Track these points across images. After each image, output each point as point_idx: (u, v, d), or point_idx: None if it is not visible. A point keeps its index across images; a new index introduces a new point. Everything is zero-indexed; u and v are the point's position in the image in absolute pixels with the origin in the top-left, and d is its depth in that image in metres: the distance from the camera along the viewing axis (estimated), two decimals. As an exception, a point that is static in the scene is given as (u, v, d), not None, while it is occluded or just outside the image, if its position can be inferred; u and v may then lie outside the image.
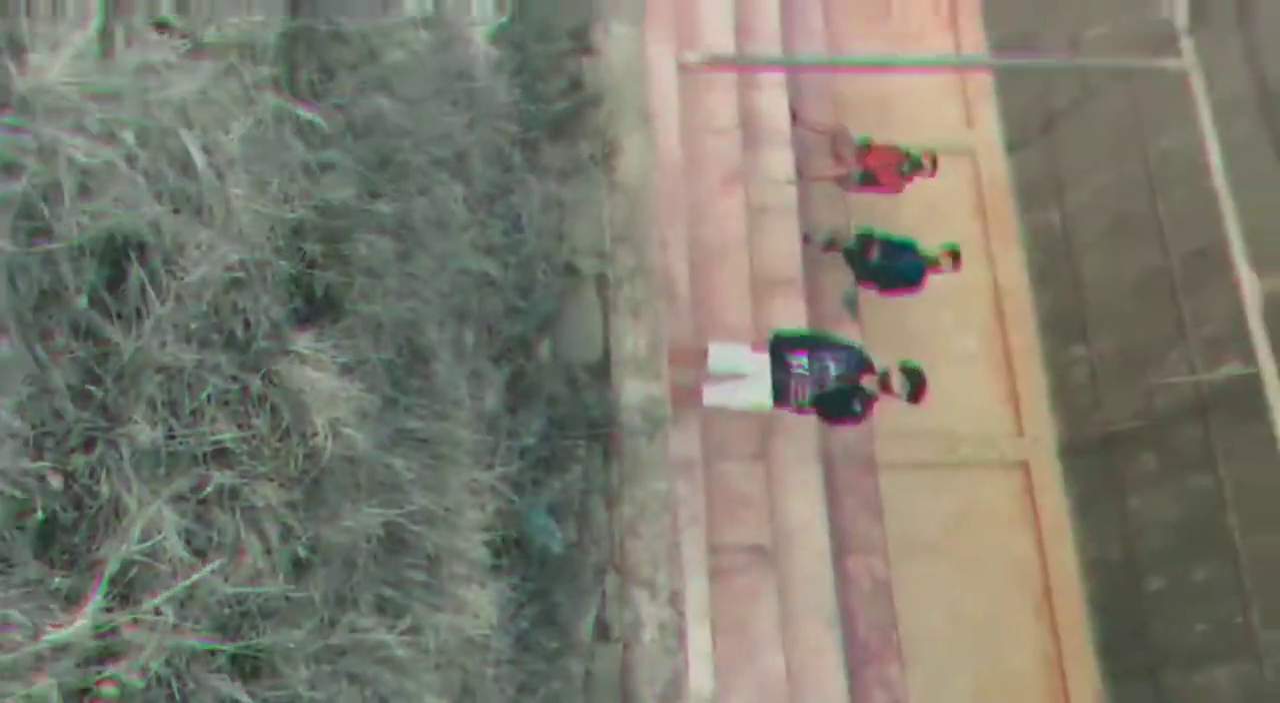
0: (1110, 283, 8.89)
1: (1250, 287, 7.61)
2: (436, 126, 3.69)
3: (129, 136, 2.06)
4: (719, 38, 7.31)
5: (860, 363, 6.29)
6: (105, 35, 2.07)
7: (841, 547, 7.62)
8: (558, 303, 5.04)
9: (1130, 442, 8.93)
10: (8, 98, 1.88)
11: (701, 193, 7.30)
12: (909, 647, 7.89)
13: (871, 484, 7.85)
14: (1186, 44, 7.99)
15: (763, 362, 6.32)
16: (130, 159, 2.08)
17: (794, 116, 7.81)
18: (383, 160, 3.30)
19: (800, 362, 6.27)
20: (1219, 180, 7.74)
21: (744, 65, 7.27)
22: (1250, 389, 7.50)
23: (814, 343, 6.48)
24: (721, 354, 6.17)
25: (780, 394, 6.26)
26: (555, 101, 5.18)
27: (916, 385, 6.12)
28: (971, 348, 9.25)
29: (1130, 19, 8.58)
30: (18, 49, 1.93)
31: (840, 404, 6.21)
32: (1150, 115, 8.56)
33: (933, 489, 8.63)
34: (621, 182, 5.37)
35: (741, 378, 6.37)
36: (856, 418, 6.42)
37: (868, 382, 6.14)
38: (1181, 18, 7.94)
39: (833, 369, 6.27)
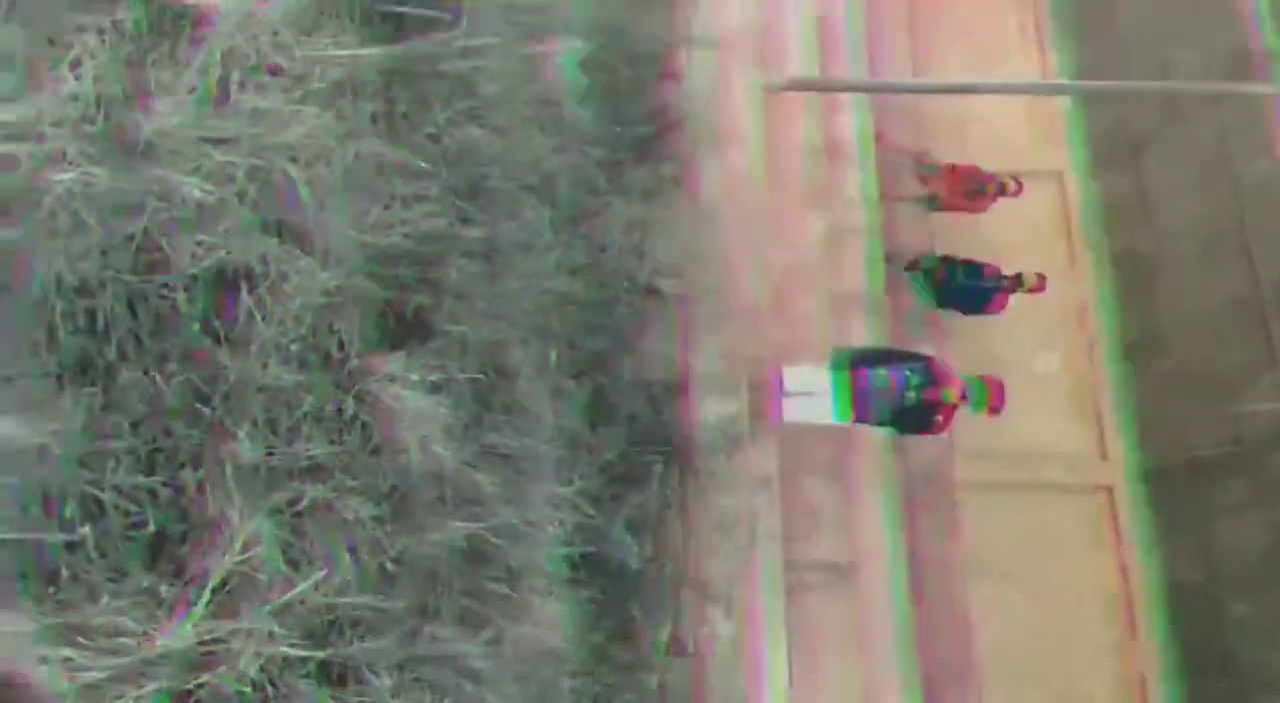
0: (1197, 308, 8.66)
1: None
2: (525, 153, 3.79)
3: (240, 174, 2.17)
4: (802, 59, 7.31)
5: (936, 371, 6.28)
6: (222, 80, 2.19)
7: (918, 566, 7.53)
8: (638, 321, 5.10)
9: (1217, 468, 8.68)
10: (135, 143, 2.00)
11: (782, 212, 7.30)
12: (985, 670, 7.76)
13: (950, 504, 7.76)
14: (1276, 68, 7.77)
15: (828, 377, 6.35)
16: (241, 195, 2.19)
17: (879, 138, 7.78)
18: (473, 187, 3.39)
19: (878, 374, 6.27)
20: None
21: (825, 88, 7.26)
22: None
23: (886, 356, 6.47)
24: (795, 375, 6.17)
25: (858, 409, 6.27)
26: (639, 125, 5.25)
27: (989, 395, 6.18)
28: (1054, 369, 9.08)
29: (1219, 43, 8.37)
30: (143, 95, 2.05)
31: (917, 419, 6.23)
32: (1239, 140, 8.34)
33: (1013, 511, 8.48)
34: (702, 203, 5.41)
35: (816, 395, 6.38)
36: (935, 428, 6.40)
37: (946, 391, 6.14)
38: (1272, 41, 7.72)
39: (909, 378, 6.26)
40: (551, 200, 4.22)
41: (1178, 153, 9.01)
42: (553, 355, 4.53)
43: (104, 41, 2.04)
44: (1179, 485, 8.74)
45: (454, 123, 3.29)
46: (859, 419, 6.31)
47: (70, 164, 1.98)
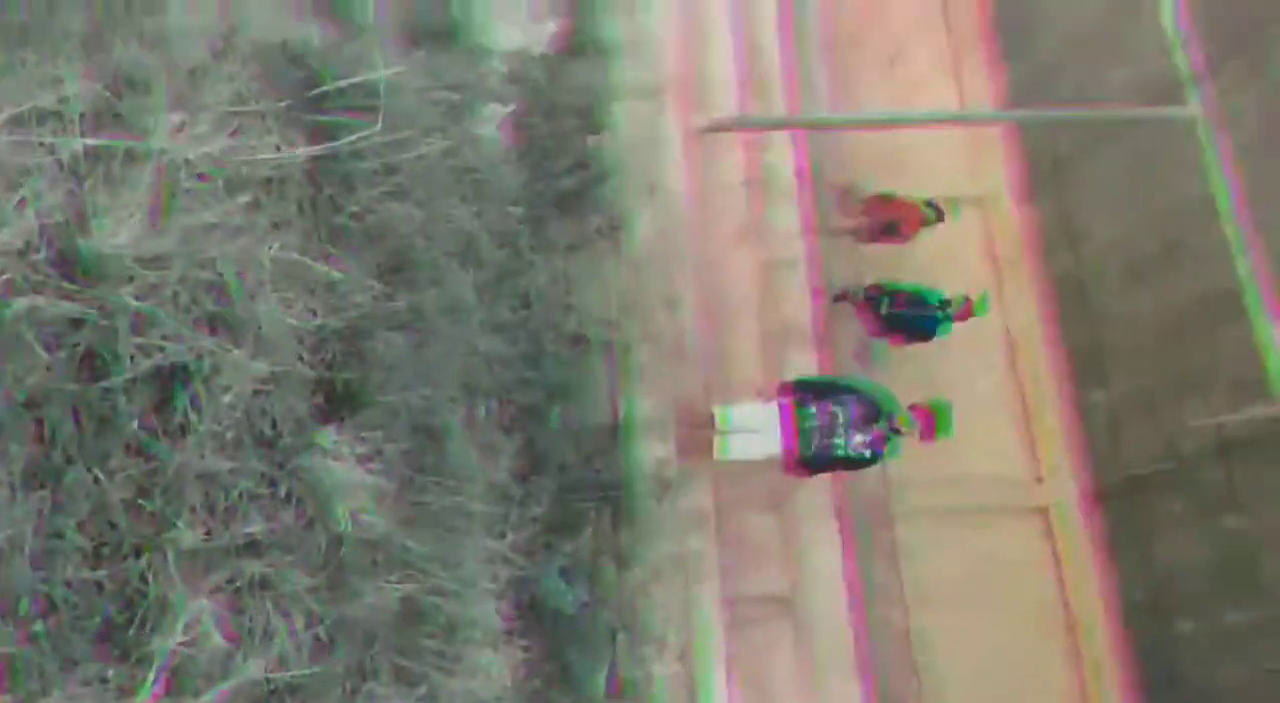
0: (1129, 327, 9.08)
1: (1268, 330, 7.80)
2: (447, 222, 4.08)
3: (173, 278, 2.45)
4: (726, 100, 7.67)
5: (872, 410, 6.54)
6: (157, 195, 2.47)
7: (860, 596, 7.85)
8: (567, 372, 5.39)
9: (1155, 486, 9.05)
10: (74, 265, 2.27)
11: (714, 250, 7.63)
12: (933, 696, 8.08)
13: (888, 533, 8.09)
14: (1198, 90, 8.25)
15: (773, 413, 6.59)
16: (174, 298, 2.47)
17: (799, 173, 8.16)
18: (397, 260, 3.68)
19: (810, 412, 6.52)
20: (1235, 224, 7.98)
21: (753, 126, 7.63)
22: (1275, 431, 7.66)
23: (828, 389, 6.73)
24: (730, 415, 6.45)
25: (787, 439, 6.54)
26: (564, 178, 5.55)
27: (935, 423, 6.48)
28: (988, 393, 9.45)
29: (1141, 68, 8.84)
30: (82, 219, 2.32)
31: (831, 466, 6.56)
32: (1164, 161, 8.80)
33: (954, 536, 8.81)
34: (629, 251, 5.73)
35: (759, 431, 6.60)
36: (861, 465, 6.69)
37: (887, 424, 6.42)
38: (1193, 65, 8.21)
39: (841, 416, 6.53)
40: (475, 262, 4.51)
41: (1104, 175, 9.48)
42: (481, 412, 4.81)
43: (46, 175, 2.32)
44: (1119, 505, 9.14)
45: (376, 201, 3.58)
46: (787, 447, 6.55)
47: (19, 291, 2.25)
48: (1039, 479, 9.20)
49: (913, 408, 6.63)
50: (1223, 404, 8.57)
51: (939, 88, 9.71)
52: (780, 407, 6.57)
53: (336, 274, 3.13)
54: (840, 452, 6.49)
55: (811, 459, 6.56)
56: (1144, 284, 9.23)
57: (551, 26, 5.10)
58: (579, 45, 5.58)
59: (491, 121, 4.59)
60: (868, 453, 6.56)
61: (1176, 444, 8.83)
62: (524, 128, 5.17)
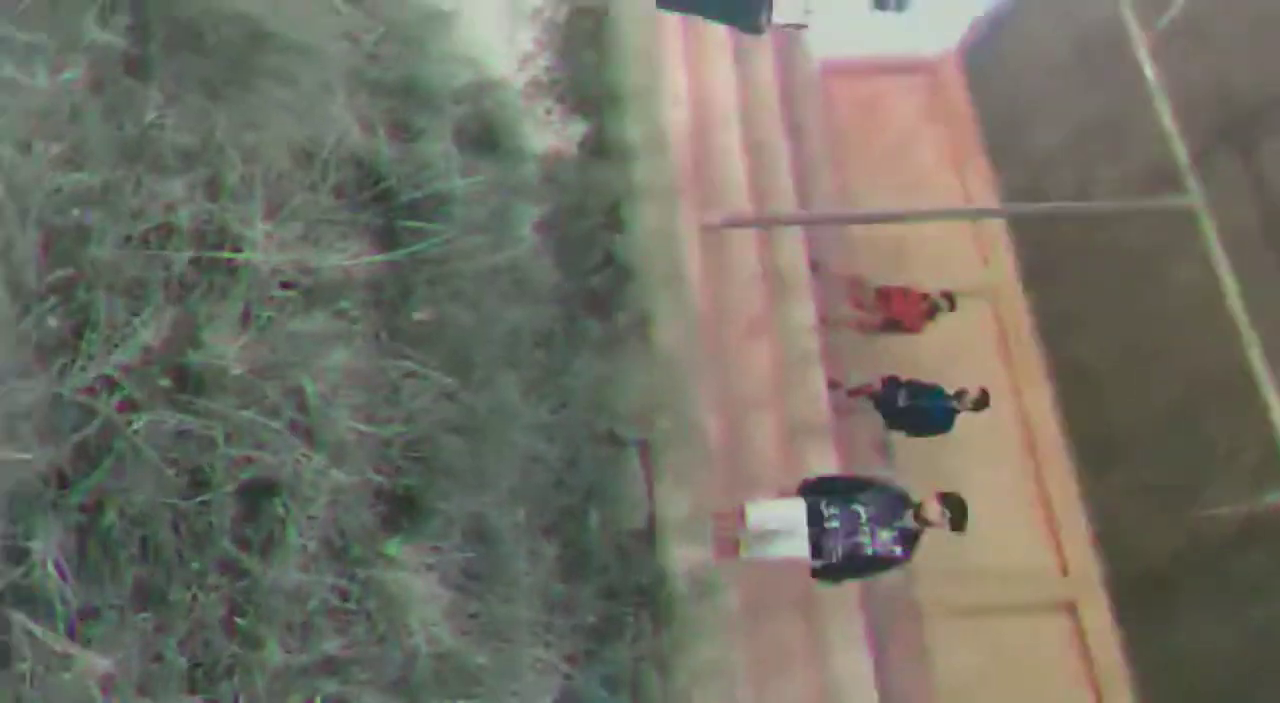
0: (1139, 415, 9.19)
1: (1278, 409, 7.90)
2: (496, 323, 4.10)
3: (270, 389, 2.44)
4: (737, 198, 7.84)
5: (895, 505, 6.42)
6: (251, 305, 2.48)
7: (889, 699, 7.73)
8: (602, 473, 5.36)
9: (1180, 575, 9.03)
10: (184, 379, 2.27)
11: (730, 346, 7.70)
12: (965, 800, 7.91)
13: (915, 632, 8.01)
14: (1192, 180, 8.50)
15: (798, 510, 6.49)
16: (265, 409, 2.46)
17: (814, 268, 8.29)
18: (453, 363, 3.68)
19: (832, 512, 6.41)
20: (1236, 309, 8.13)
21: (763, 222, 7.77)
22: (1293, 517, 7.70)
23: (850, 486, 6.66)
24: (758, 514, 6.38)
25: (816, 549, 6.40)
26: (590, 278, 5.62)
27: (958, 513, 6.25)
28: (1006, 484, 9.49)
29: (1135, 161, 9.12)
30: (191, 332, 2.32)
31: (860, 568, 6.42)
32: (1163, 249, 9.03)
33: (981, 634, 8.76)
34: (657, 348, 5.77)
35: (788, 533, 6.48)
36: (891, 564, 6.52)
37: (909, 520, 6.32)
38: (1185, 156, 8.48)
39: (863, 514, 6.39)
40: (517, 362, 4.52)
41: (1104, 264, 9.69)
42: (522, 515, 4.75)
43: (159, 290, 2.33)
44: (1145, 596, 9.10)
45: (434, 306, 3.60)
46: (817, 557, 6.43)
47: (139, 409, 2.23)
48: (1063, 571, 9.19)
49: (938, 496, 6.48)
50: (1241, 490, 8.62)
51: (941, 185, 9.98)
52: (807, 506, 6.49)
53: (404, 378, 3.12)
54: (868, 550, 6.33)
55: (840, 564, 6.42)
56: (1150, 371, 9.37)
57: (581, 128, 5.19)
58: (603, 146, 5.69)
59: (529, 223, 4.65)
60: (898, 550, 6.39)
61: (1200, 532, 8.84)
62: (554, 228, 5.24)
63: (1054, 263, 9.88)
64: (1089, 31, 9.53)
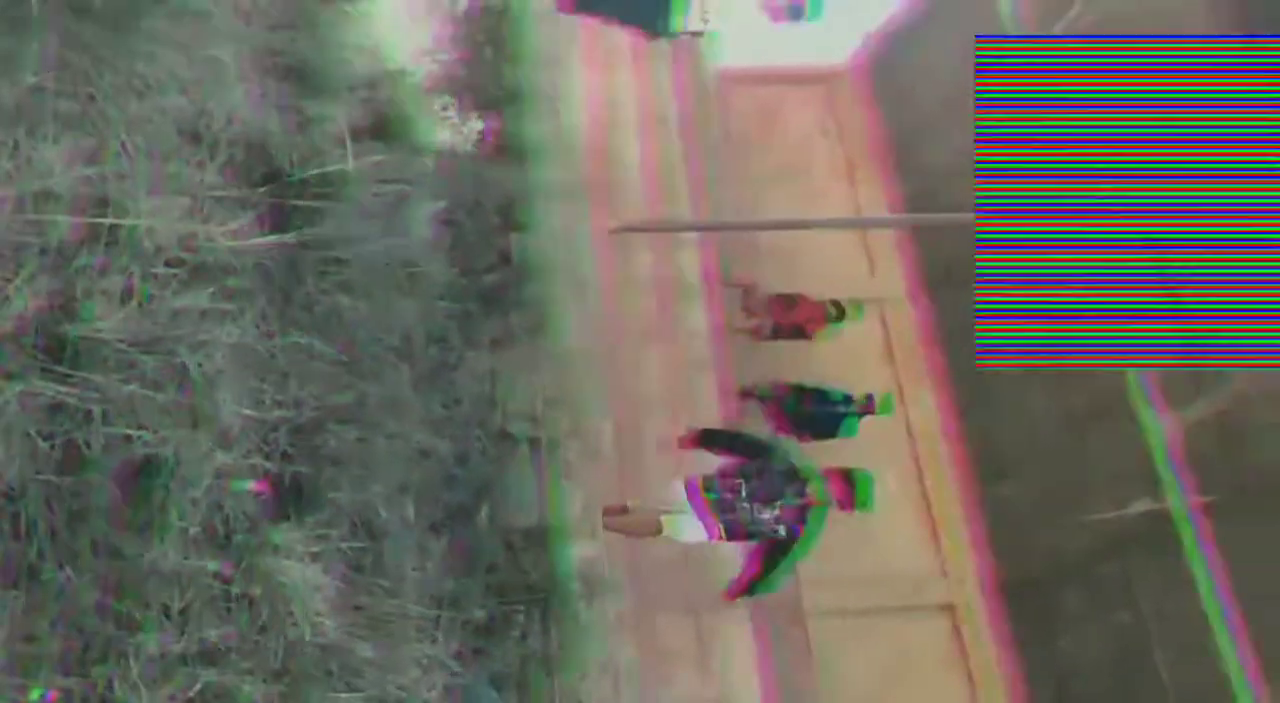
0: (1027, 424, 9.47)
1: (1156, 424, 8.22)
2: (388, 315, 4.07)
3: (149, 366, 2.39)
4: (637, 203, 7.90)
5: (779, 482, 6.09)
6: (133, 280, 2.43)
7: (773, 700, 7.83)
8: (494, 469, 5.35)
9: (1055, 581, 9.32)
10: (59, 350, 2.21)
11: (626, 349, 7.74)
12: (847, 799, 8.04)
13: (801, 634, 8.14)
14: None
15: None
16: (145, 386, 2.41)
17: (711, 274, 8.40)
18: (346, 353, 3.65)
19: (713, 484, 6.12)
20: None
21: (662, 228, 7.85)
22: (1163, 524, 8.02)
23: (733, 444, 6.42)
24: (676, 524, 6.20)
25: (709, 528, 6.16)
26: (486, 275, 5.60)
27: (860, 490, 6.00)
28: (891, 489, 9.69)
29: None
30: (69, 301, 2.26)
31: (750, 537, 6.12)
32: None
33: (864, 636, 8.94)
34: (552, 348, 5.78)
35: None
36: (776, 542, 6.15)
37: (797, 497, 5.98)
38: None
39: (744, 490, 6.09)
40: (410, 357, 4.50)
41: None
42: (411, 509, 4.72)
43: (36, 258, 2.27)
44: (1021, 600, 9.39)
45: (325, 292, 3.56)
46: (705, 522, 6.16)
47: (11, 376, 2.16)
48: (944, 575, 9.43)
49: (827, 473, 6.20)
50: (1116, 498, 8.93)
51: (836, 194, 10.20)
52: (688, 485, 6.21)
53: (294, 365, 3.09)
54: (751, 527, 6.07)
55: (728, 532, 6.18)
56: (1037, 381, 9.65)
57: (479, 125, 5.19)
58: (503, 145, 5.69)
59: (425, 217, 4.63)
60: (781, 529, 6.06)
61: (1073, 539, 9.15)
62: (450, 224, 5.22)
63: (948, 273, 10.14)
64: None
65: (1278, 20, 7.66)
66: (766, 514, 6.06)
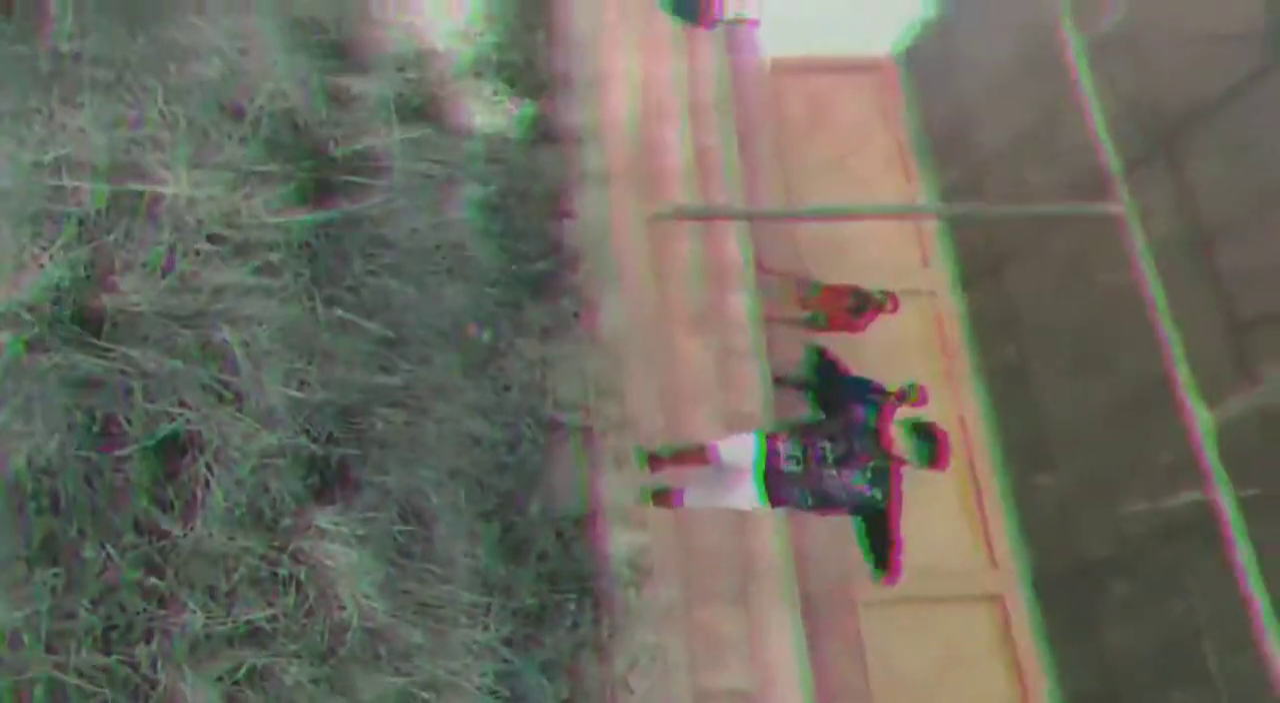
0: (1069, 415, 9.26)
1: (1199, 417, 7.99)
2: (436, 299, 3.96)
3: (189, 343, 2.28)
4: (682, 190, 7.75)
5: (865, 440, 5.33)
6: (173, 254, 2.33)
7: (824, 690, 7.68)
8: (544, 457, 5.23)
9: (1101, 571, 9.14)
10: (97, 323, 2.11)
11: (670, 337, 7.60)
12: (896, 791, 7.88)
13: (852, 625, 7.97)
14: (1122, 188, 8.59)
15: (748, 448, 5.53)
16: (189, 362, 2.30)
17: (759, 263, 8.23)
18: (394, 336, 3.54)
19: (787, 449, 5.41)
20: (1160, 315, 8.22)
21: (708, 216, 7.69)
22: (1210, 516, 7.80)
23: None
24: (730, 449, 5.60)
25: (772, 493, 5.49)
26: (536, 262, 5.49)
27: (931, 446, 5.16)
28: (940, 480, 9.48)
29: (1068, 166, 9.20)
30: (105, 272, 2.16)
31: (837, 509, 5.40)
32: (1093, 254, 9.10)
33: (912, 626, 8.76)
34: (601, 336, 5.65)
35: (727, 479, 5.71)
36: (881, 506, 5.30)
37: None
38: (1116, 164, 8.55)
39: (829, 450, 5.35)
40: (459, 343, 4.39)
41: (1038, 267, 9.76)
42: (462, 496, 4.61)
43: (71, 226, 2.17)
44: (1068, 590, 9.19)
45: (372, 274, 3.46)
46: (777, 503, 5.55)
47: (47, 348, 2.07)
48: (993, 565, 9.23)
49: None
50: (1162, 489, 8.72)
51: (886, 184, 9.99)
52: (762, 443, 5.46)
53: (337, 345, 2.97)
54: (845, 495, 5.31)
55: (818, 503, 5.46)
56: (1081, 372, 9.45)
57: (529, 111, 5.07)
58: (552, 131, 5.57)
59: (474, 201, 4.52)
60: (877, 494, 5.23)
61: (1120, 530, 8.95)
62: (500, 210, 5.11)
63: (990, 265, 9.93)
64: (1027, 39, 9.60)
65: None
66: (859, 481, 5.28)
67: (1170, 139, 8.89)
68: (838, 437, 5.39)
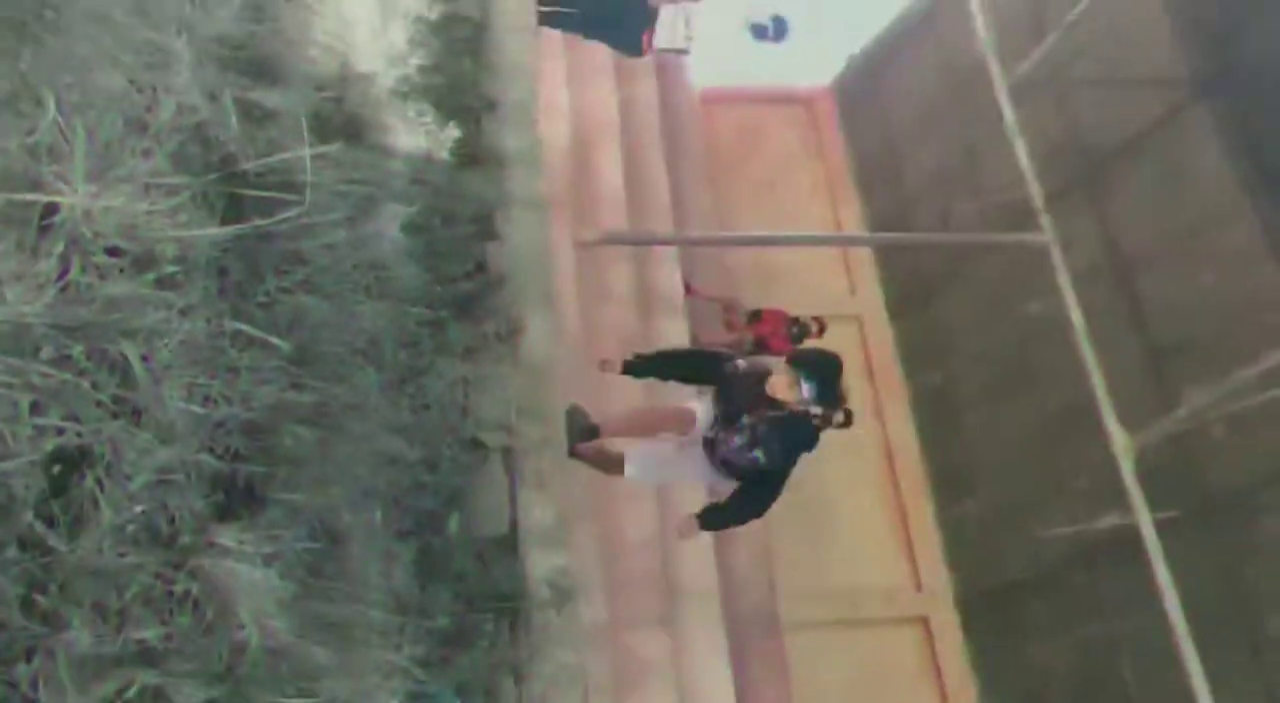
0: (993, 439, 9.44)
1: (1119, 442, 8.18)
2: (353, 316, 3.94)
3: (79, 354, 2.25)
4: (614, 216, 7.80)
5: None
6: (64, 265, 2.30)
7: (750, 712, 7.69)
8: (464, 477, 5.20)
9: (1023, 593, 9.29)
10: (-20, 330, 2.07)
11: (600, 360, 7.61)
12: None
13: (777, 647, 8.02)
14: (1045, 219, 8.81)
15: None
16: (80, 375, 2.27)
17: (687, 288, 8.29)
18: (304, 353, 3.51)
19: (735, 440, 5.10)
20: (1082, 342, 8.42)
21: (638, 241, 7.74)
22: (1129, 539, 7.98)
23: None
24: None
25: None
26: (461, 283, 5.47)
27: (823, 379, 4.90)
28: (867, 504, 9.62)
29: (993, 197, 9.42)
30: (-9, 285, 2.13)
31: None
32: (1017, 283, 9.32)
33: (838, 649, 8.84)
34: (525, 357, 5.65)
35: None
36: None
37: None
38: (1039, 196, 8.77)
39: (719, 414, 5.18)
40: (378, 361, 4.36)
41: (963, 295, 9.96)
42: (378, 515, 4.57)
43: (-45, 236, 2.14)
44: (992, 613, 9.34)
45: (286, 291, 3.43)
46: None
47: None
48: (918, 589, 9.35)
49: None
50: (1083, 512, 8.91)
51: (814, 211, 10.14)
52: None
53: (245, 360, 2.95)
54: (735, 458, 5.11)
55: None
56: (1004, 398, 9.64)
57: (454, 132, 5.07)
58: (477, 153, 5.57)
59: (394, 221, 4.50)
60: (758, 455, 5.05)
61: (1041, 553, 9.11)
62: (423, 230, 5.09)
63: (917, 293, 10.12)
64: (956, 74, 9.83)
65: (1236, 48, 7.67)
66: (741, 443, 5.03)
67: (1092, 172, 9.13)
68: (719, 396, 5.04)
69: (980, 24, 8.97)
